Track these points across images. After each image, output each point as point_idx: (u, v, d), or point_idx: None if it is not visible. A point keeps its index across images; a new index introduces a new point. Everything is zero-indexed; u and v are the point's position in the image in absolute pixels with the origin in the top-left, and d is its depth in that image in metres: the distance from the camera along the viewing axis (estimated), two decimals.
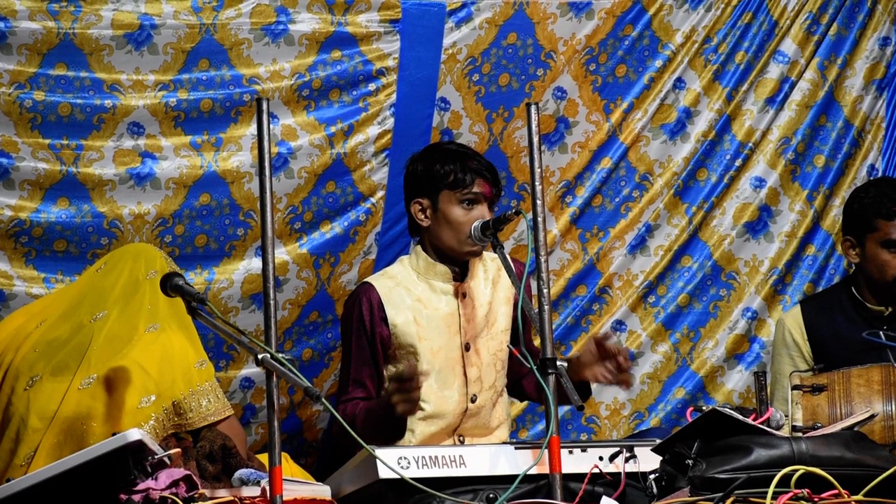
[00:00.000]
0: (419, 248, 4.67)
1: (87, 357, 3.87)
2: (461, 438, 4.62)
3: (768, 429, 3.55)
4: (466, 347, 4.62)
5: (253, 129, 4.83)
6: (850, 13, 5.80)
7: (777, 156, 5.74)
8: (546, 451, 3.52)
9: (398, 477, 3.46)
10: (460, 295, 4.62)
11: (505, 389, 4.75)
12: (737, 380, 5.69)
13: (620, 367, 4.43)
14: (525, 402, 5.43)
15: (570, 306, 5.55)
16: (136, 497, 3.13)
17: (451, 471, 3.58)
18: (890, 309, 5.13)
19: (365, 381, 4.57)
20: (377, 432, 4.34)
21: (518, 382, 4.81)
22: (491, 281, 4.69)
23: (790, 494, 3.31)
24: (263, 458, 3.67)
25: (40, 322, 4.05)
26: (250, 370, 4.97)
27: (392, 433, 4.42)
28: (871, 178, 5.70)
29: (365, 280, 4.70)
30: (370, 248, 5.15)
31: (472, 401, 4.61)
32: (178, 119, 4.80)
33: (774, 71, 5.72)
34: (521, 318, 3.87)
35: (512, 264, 4.34)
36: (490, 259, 4.72)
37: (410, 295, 4.60)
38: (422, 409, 4.57)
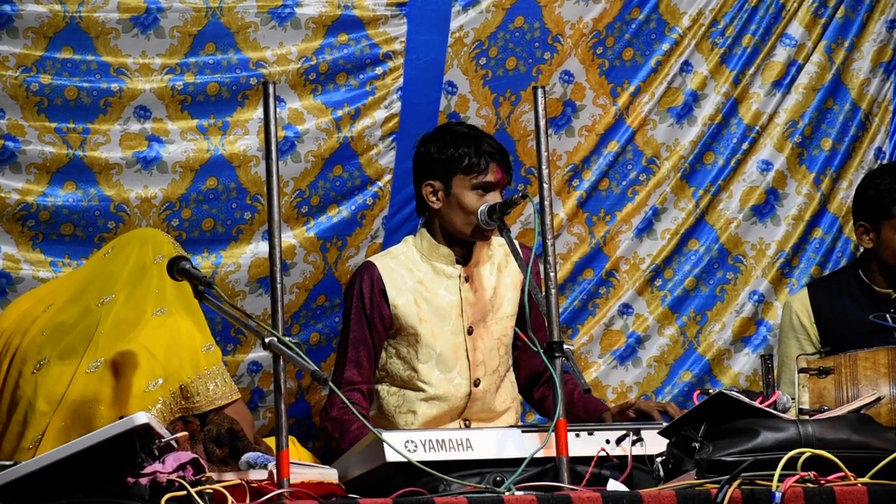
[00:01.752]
0: (424, 229, 4.67)
1: (94, 341, 3.88)
2: (467, 423, 4.63)
3: (775, 412, 3.56)
4: (469, 331, 4.62)
5: (260, 112, 4.83)
6: None
7: (784, 139, 5.73)
8: (553, 434, 3.53)
9: (405, 460, 3.47)
10: (463, 278, 4.62)
11: (511, 373, 4.75)
12: (743, 363, 5.69)
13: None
14: None
15: (576, 290, 5.55)
16: (144, 480, 3.13)
17: (458, 454, 3.59)
18: None
19: (362, 361, 4.58)
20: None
21: (529, 391, 4.85)
22: (497, 266, 4.70)
23: (797, 477, 3.31)
24: (271, 441, 3.67)
25: (48, 306, 4.06)
26: (258, 354, 4.97)
27: None
28: (884, 163, 5.68)
29: (368, 259, 4.71)
30: (377, 232, 5.16)
31: (476, 384, 4.61)
32: (184, 103, 4.80)
33: (781, 54, 5.71)
34: (527, 304, 3.88)
35: (519, 249, 4.34)
36: (497, 244, 4.72)
37: (412, 276, 4.61)
38: (423, 390, 4.58)
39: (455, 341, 4.60)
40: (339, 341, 4.69)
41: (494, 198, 4.56)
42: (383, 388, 4.64)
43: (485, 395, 4.63)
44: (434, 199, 4.62)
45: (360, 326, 4.59)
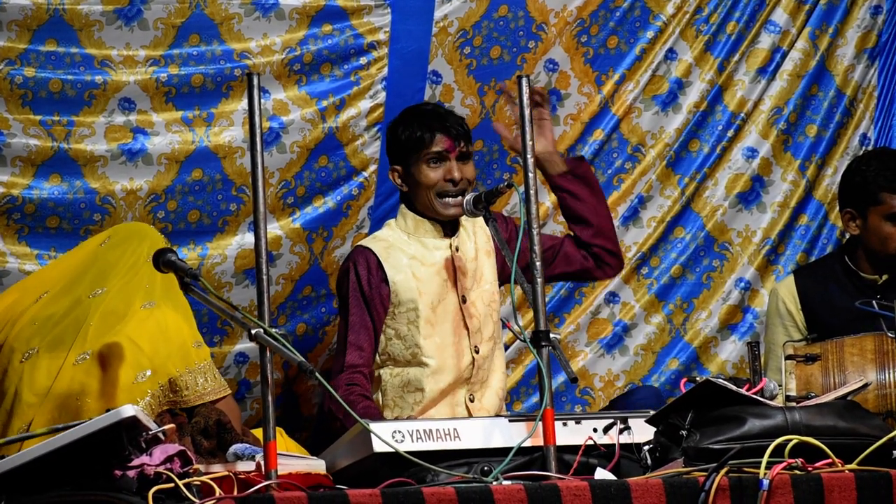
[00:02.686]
0: (405, 208, 4.69)
1: (82, 333, 3.87)
2: (471, 397, 4.63)
3: (762, 399, 3.56)
4: (463, 300, 4.64)
5: (244, 104, 4.82)
6: None
7: (769, 126, 5.73)
8: (540, 423, 3.53)
9: (392, 451, 3.47)
10: (453, 248, 4.64)
11: (500, 339, 4.76)
12: (730, 350, 5.70)
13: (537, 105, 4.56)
14: (518, 375, 5.44)
15: None
16: (131, 473, 3.13)
17: (445, 444, 3.59)
18: (884, 277, 5.13)
19: (363, 344, 4.58)
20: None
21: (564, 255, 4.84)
22: (472, 234, 4.72)
23: (784, 464, 3.32)
24: (258, 433, 3.67)
25: (41, 294, 4.05)
26: (244, 345, 4.97)
27: None
28: (869, 150, 5.69)
29: (358, 244, 4.71)
30: (363, 222, 5.15)
31: (476, 351, 4.62)
32: (169, 94, 4.79)
33: (766, 41, 5.72)
34: (513, 289, 3.88)
35: (501, 234, 4.33)
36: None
37: (405, 254, 4.63)
38: (427, 365, 4.59)
39: (453, 311, 4.62)
40: (339, 326, 4.69)
41: (450, 166, 4.61)
42: (385, 372, 4.64)
43: (484, 361, 4.65)
44: (400, 182, 4.68)
45: (360, 310, 4.59)
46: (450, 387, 4.61)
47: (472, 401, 4.62)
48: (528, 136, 3.68)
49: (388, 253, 4.63)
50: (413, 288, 4.60)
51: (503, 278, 4.74)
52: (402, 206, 4.73)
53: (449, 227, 4.69)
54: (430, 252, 4.65)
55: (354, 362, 4.57)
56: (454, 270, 4.65)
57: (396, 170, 4.70)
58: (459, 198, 4.58)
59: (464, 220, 4.74)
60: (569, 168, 4.77)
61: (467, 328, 4.64)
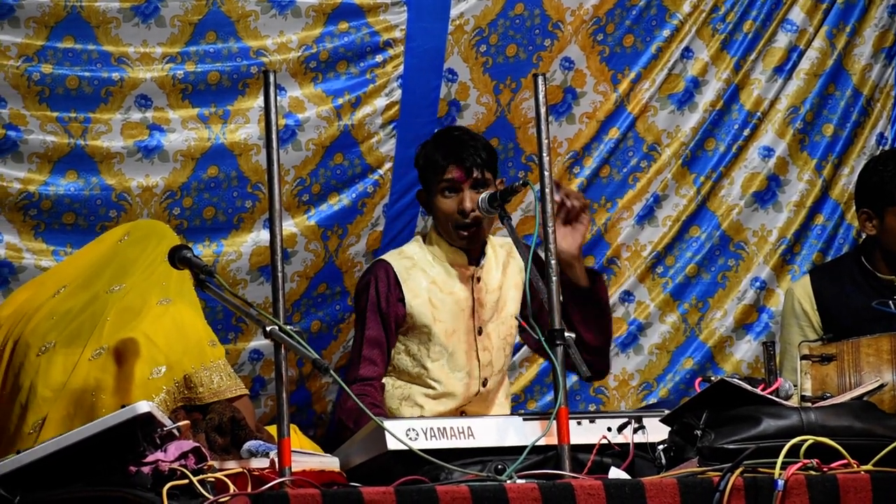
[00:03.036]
0: (434, 231, 4.69)
1: (99, 328, 3.88)
2: (463, 413, 4.63)
3: (777, 399, 3.56)
4: (479, 331, 4.63)
5: (260, 101, 4.83)
6: None
7: (785, 125, 5.72)
8: (554, 422, 3.53)
9: (406, 448, 3.47)
10: (474, 279, 4.63)
11: (507, 372, 4.76)
12: (745, 350, 5.69)
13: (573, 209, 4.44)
14: (533, 374, 5.44)
15: None
16: (146, 469, 3.14)
17: (459, 442, 3.59)
18: None
19: (376, 359, 4.59)
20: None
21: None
22: (501, 265, 4.70)
23: (799, 465, 3.31)
24: (272, 429, 3.67)
25: (59, 289, 4.06)
26: (259, 342, 4.98)
27: None
28: (886, 150, 5.68)
29: (381, 258, 4.71)
30: (378, 220, 5.15)
31: (484, 384, 4.63)
32: (185, 91, 4.80)
33: (783, 40, 5.71)
34: (528, 290, 3.88)
35: (520, 237, 4.33)
36: (499, 245, 4.73)
37: (426, 277, 4.61)
38: (432, 388, 4.59)
39: (467, 341, 4.61)
40: (354, 337, 4.69)
41: (463, 196, 4.57)
42: (389, 382, 4.65)
43: (489, 394, 4.66)
44: (425, 206, 4.68)
45: (376, 325, 4.59)
46: (448, 412, 4.61)
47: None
48: (543, 134, 3.68)
49: (408, 273, 4.62)
50: (428, 314, 4.59)
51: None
52: (432, 227, 4.72)
53: (474, 256, 4.67)
54: (452, 279, 4.63)
55: (367, 375, 4.57)
56: (473, 301, 4.63)
57: (421, 194, 4.71)
58: (474, 229, 4.57)
59: (498, 247, 4.72)
60: (587, 285, 4.53)
61: (479, 360, 4.63)
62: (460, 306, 4.62)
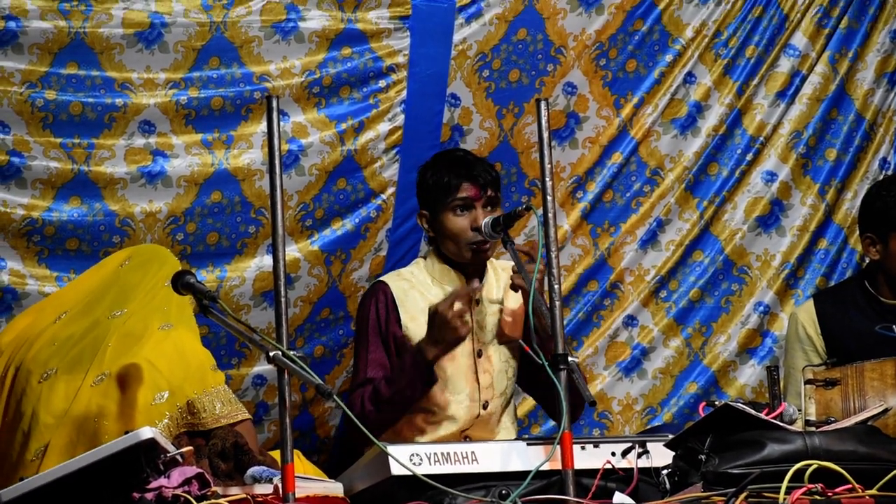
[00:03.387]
0: (432, 252, 4.68)
1: (100, 354, 3.87)
2: (467, 438, 4.62)
3: (781, 423, 3.55)
4: (479, 354, 4.62)
5: (264, 126, 4.83)
6: (860, 6, 5.78)
7: (788, 150, 5.73)
8: (558, 446, 3.52)
9: (410, 473, 3.47)
10: (473, 301, 4.61)
11: (514, 398, 4.75)
12: (749, 374, 5.68)
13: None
14: None
15: (581, 302, 5.55)
16: (149, 495, 3.13)
17: (463, 467, 3.58)
18: None
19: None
20: (410, 389, 4.39)
21: (534, 380, 4.80)
22: (503, 289, 4.69)
23: (804, 489, 3.30)
24: (276, 455, 3.67)
25: (60, 315, 4.06)
26: (262, 368, 4.97)
27: (425, 381, 4.42)
28: (889, 174, 5.68)
29: (380, 279, 4.71)
30: (381, 245, 5.16)
31: (484, 407, 4.61)
32: (188, 117, 4.81)
33: (785, 65, 5.71)
34: (531, 314, 3.87)
35: (522, 262, 4.33)
36: (501, 268, 4.72)
37: (424, 299, 4.60)
38: (433, 412, 4.58)
39: (465, 364, 4.60)
40: (354, 363, 4.68)
41: (476, 214, 4.56)
42: None
43: (491, 417, 4.64)
44: (427, 227, 4.66)
45: (377, 347, 4.58)
46: (450, 435, 4.60)
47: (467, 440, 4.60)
48: (546, 159, 3.68)
49: (405, 295, 4.61)
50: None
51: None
52: (431, 249, 4.71)
53: (473, 277, 4.65)
54: None
55: (375, 377, 4.55)
56: (472, 323, 4.61)
57: (424, 215, 4.67)
58: (487, 245, 4.56)
59: (500, 269, 4.71)
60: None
61: (479, 382, 4.62)
62: None
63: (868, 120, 5.81)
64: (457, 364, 4.59)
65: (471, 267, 4.63)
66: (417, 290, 4.63)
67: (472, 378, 4.61)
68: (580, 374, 3.70)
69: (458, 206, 4.59)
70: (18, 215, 4.60)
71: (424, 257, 4.73)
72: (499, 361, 4.65)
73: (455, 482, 3.50)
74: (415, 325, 4.57)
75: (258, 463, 3.67)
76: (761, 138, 5.69)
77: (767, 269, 5.71)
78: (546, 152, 3.69)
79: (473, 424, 4.62)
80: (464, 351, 4.59)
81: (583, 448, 3.66)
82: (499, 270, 4.72)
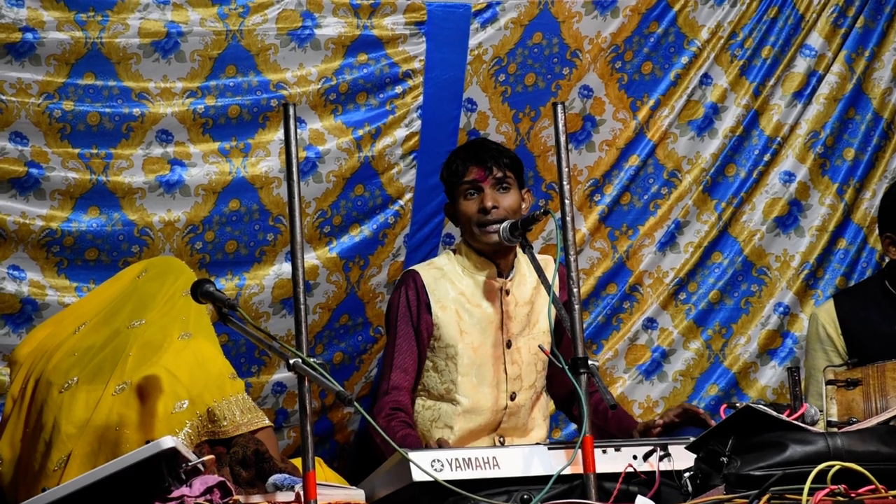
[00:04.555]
0: (463, 243, 4.69)
1: (121, 363, 3.88)
2: (501, 440, 4.62)
3: (803, 425, 3.54)
4: (508, 345, 4.62)
5: (281, 134, 4.84)
6: (876, 5, 5.77)
7: (806, 150, 5.71)
8: (580, 450, 3.52)
9: (432, 480, 3.46)
10: (503, 292, 4.62)
11: (545, 391, 4.75)
12: (770, 375, 5.67)
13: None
14: None
15: (600, 305, 5.55)
16: None
17: (484, 472, 3.58)
18: None
19: (408, 366, 4.60)
20: (414, 446, 4.40)
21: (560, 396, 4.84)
22: (537, 282, 4.68)
23: (826, 490, 3.29)
24: (297, 462, 3.67)
25: (79, 326, 4.07)
26: (282, 375, 4.98)
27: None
28: None
29: (411, 268, 4.71)
30: (399, 251, 5.16)
31: (512, 398, 4.61)
32: (206, 126, 4.81)
33: (801, 65, 5.70)
34: (550, 320, 3.87)
35: (542, 265, 4.33)
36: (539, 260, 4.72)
37: (454, 288, 4.62)
38: (460, 403, 4.58)
39: (494, 354, 4.61)
40: (386, 347, 4.69)
41: (484, 196, 4.58)
42: (419, 402, 4.65)
43: (519, 409, 4.63)
44: (451, 216, 4.68)
45: (407, 333, 4.60)
46: (480, 429, 4.60)
47: (502, 444, 4.60)
48: (563, 162, 3.68)
49: (436, 283, 4.63)
50: (454, 324, 4.59)
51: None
52: (462, 240, 4.72)
53: (504, 268, 4.67)
54: (480, 291, 4.63)
55: (399, 384, 4.57)
56: (502, 314, 4.62)
57: (449, 207, 4.72)
58: (497, 225, 4.56)
59: (532, 266, 4.72)
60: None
61: (506, 373, 4.62)
62: (488, 318, 4.61)
63: (886, 119, 5.80)
64: (485, 354, 4.60)
65: (499, 256, 4.63)
66: (448, 279, 4.64)
67: (501, 368, 4.61)
68: (600, 378, 3.69)
69: (467, 189, 4.62)
70: (37, 226, 4.61)
71: (455, 249, 4.74)
72: (528, 354, 4.65)
73: (477, 487, 3.50)
74: (445, 314, 4.58)
75: (279, 470, 3.67)
76: (778, 139, 5.68)
77: (787, 269, 5.70)
78: (563, 156, 3.69)
79: (504, 418, 4.61)
80: (494, 341, 4.60)
81: (604, 452, 3.65)
82: (528, 264, 4.71)
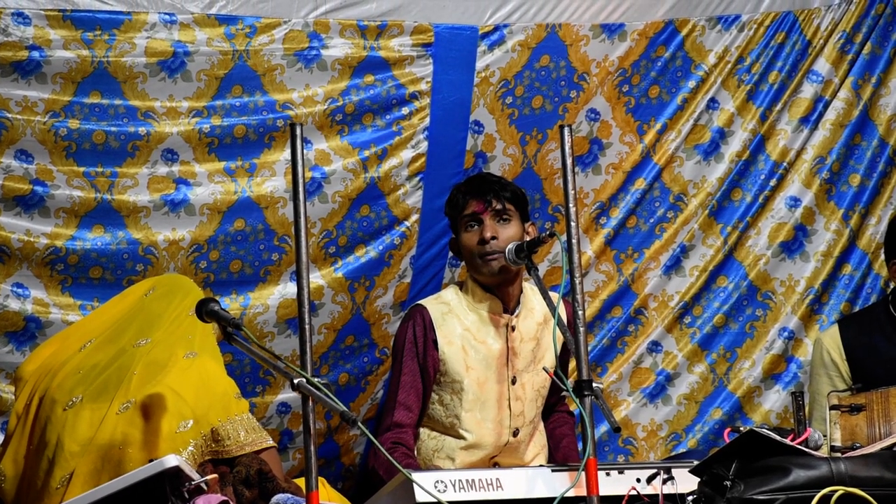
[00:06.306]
0: (470, 279, 4.69)
1: (126, 382, 3.88)
2: (495, 464, 4.62)
3: (807, 449, 3.53)
4: (513, 381, 4.62)
5: (286, 154, 4.85)
6: (883, 32, 5.78)
7: (812, 175, 5.71)
8: (583, 473, 3.51)
9: (435, 501, 3.46)
10: (509, 328, 4.62)
11: (541, 422, 4.75)
12: (774, 400, 5.66)
13: None
14: None
15: (605, 328, 5.54)
16: None
17: (487, 494, 3.57)
18: None
19: (411, 404, 4.59)
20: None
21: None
22: (542, 316, 4.69)
23: None
24: (301, 482, 3.66)
25: (85, 343, 4.06)
26: (287, 395, 4.97)
27: None
28: None
29: (419, 302, 4.71)
30: (405, 272, 5.16)
31: (515, 434, 4.61)
32: (211, 145, 4.82)
33: (808, 90, 5.71)
34: (555, 341, 3.86)
35: (549, 291, 4.33)
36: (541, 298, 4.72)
37: (461, 324, 4.62)
38: (464, 438, 4.58)
39: (499, 390, 4.60)
40: (390, 382, 4.69)
41: (484, 228, 4.59)
42: (424, 432, 4.65)
43: (520, 444, 4.64)
44: (457, 253, 4.70)
45: (413, 369, 4.60)
46: (478, 462, 4.61)
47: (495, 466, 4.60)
48: (569, 185, 3.68)
49: (443, 319, 4.63)
50: (461, 361, 4.59)
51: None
52: (469, 278, 4.72)
53: (510, 304, 4.67)
54: (486, 327, 4.63)
55: (402, 421, 4.57)
56: (507, 350, 4.63)
57: (454, 242, 4.73)
58: (498, 254, 4.56)
59: (535, 298, 4.72)
60: None
61: (510, 409, 4.62)
62: (493, 355, 4.61)
63: (892, 146, 5.80)
64: (490, 390, 4.59)
65: (503, 288, 4.63)
66: (455, 314, 4.64)
67: (505, 405, 4.61)
68: (604, 401, 3.68)
69: (468, 222, 4.64)
70: (42, 244, 4.62)
71: (461, 283, 4.74)
72: (531, 390, 4.65)
73: None
74: (451, 350, 4.58)
75: (283, 490, 3.67)
76: (784, 164, 5.68)
77: (792, 294, 5.69)
78: (570, 178, 3.68)
79: (503, 451, 4.61)
80: (499, 378, 4.60)
81: (608, 474, 3.65)
82: (537, 301, 4.71)
